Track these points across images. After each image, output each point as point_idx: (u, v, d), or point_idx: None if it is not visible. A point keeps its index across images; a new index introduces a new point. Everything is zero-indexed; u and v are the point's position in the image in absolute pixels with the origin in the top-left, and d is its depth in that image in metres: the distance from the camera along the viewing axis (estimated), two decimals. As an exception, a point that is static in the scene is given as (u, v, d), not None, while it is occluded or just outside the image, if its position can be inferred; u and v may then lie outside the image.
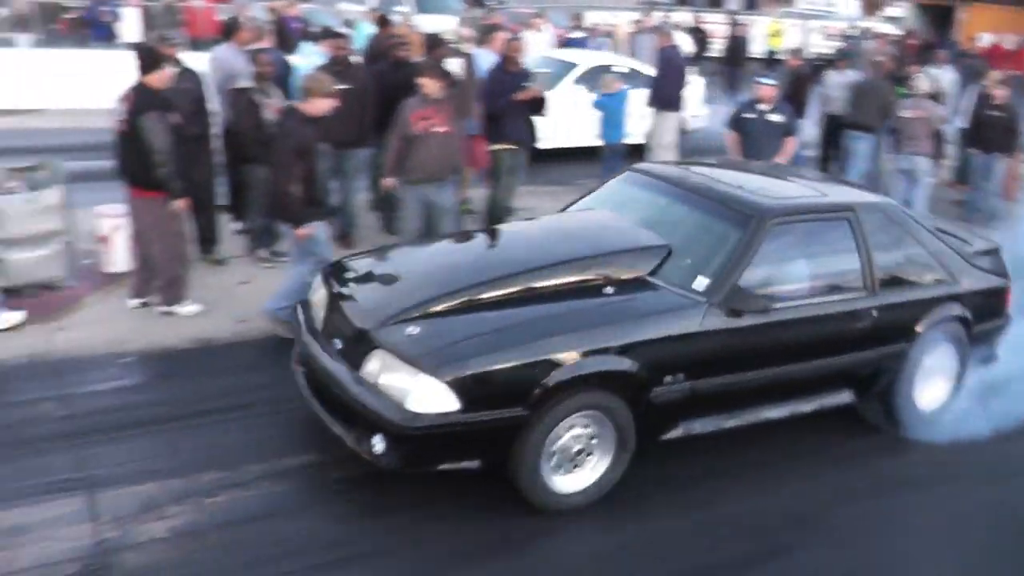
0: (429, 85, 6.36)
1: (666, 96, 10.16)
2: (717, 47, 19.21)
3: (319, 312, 4.63)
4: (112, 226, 6.58)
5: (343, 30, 8.61)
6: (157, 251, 5.88)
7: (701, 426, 4.56)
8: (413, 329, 4.11)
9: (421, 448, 3.97)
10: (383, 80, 7.36)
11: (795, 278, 4.77)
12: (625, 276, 4.54)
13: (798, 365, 4.72)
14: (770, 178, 5.46)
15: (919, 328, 5.08)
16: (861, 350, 4.93)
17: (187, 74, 6.48)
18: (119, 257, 6.58)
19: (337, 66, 7.01)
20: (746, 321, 4.43)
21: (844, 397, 5.05)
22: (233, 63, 7.15)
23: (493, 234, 5.44)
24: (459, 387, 3.87)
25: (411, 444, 3.93)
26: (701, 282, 4.48)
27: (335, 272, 4.85)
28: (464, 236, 5.64)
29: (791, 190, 5.15)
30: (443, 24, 13.72)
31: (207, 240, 6.98)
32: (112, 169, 5.89)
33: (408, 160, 6.41)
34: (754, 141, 7.79)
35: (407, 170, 6.45)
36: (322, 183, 5.68)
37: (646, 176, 5.37)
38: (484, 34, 9.59)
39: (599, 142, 9.93)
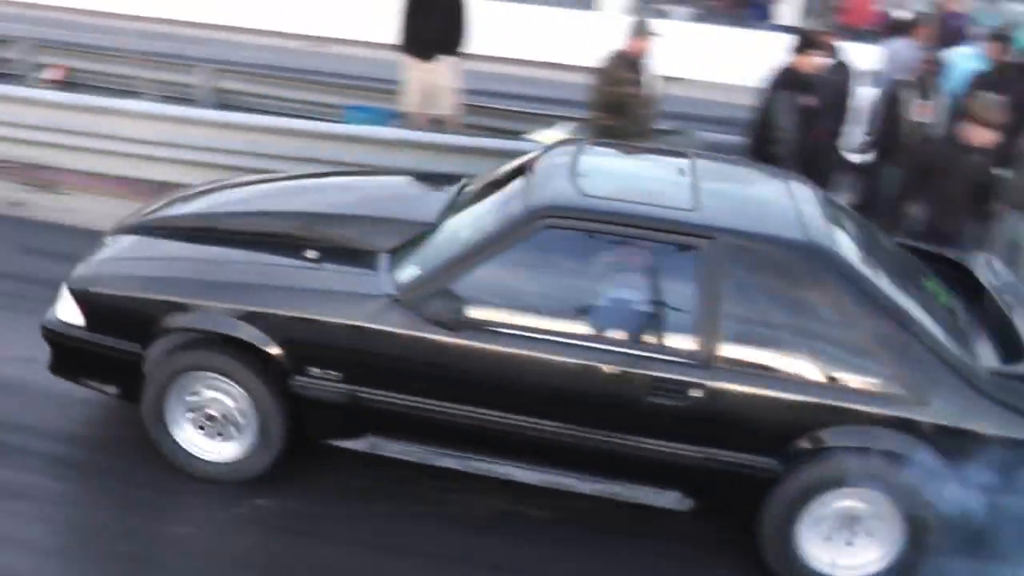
0: None
1: None
2: None
3: None
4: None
5: (1006, 33, 7.51)
6: None
7: (397, 450, 3.59)
8: (124, 239, 3.98)
9: (61, 356, 3.79)
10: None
11: (565, 305, 3.43)
12: (357, 245, 3.75)
13: (547, 423, 3.40)
14: (695, 179, 3.76)
15: (804, 447, 3.26)
16: (674, 439, 3.35)
17: (839, 67, 6.16)
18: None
19: (998, 73, 6.29)
20: (443, 335, 3.36)
21: (667, 499, 3.47)
22: (906, 58, 6.80)
23: (330, 176, 4.88)
24: (84, 302, 3.64)
25: (52, 349, 3.81)
26: (409, 272, 3.50)
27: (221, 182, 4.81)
28: (314, 175, 5.00)
29: (652, 193, 3.58)
30: None
31: None
32: (742, 145, 6.01)
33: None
34: None
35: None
36: (962, 218, 4.85)
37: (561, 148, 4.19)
38: None
39: None
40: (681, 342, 3.31)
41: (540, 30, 13.05)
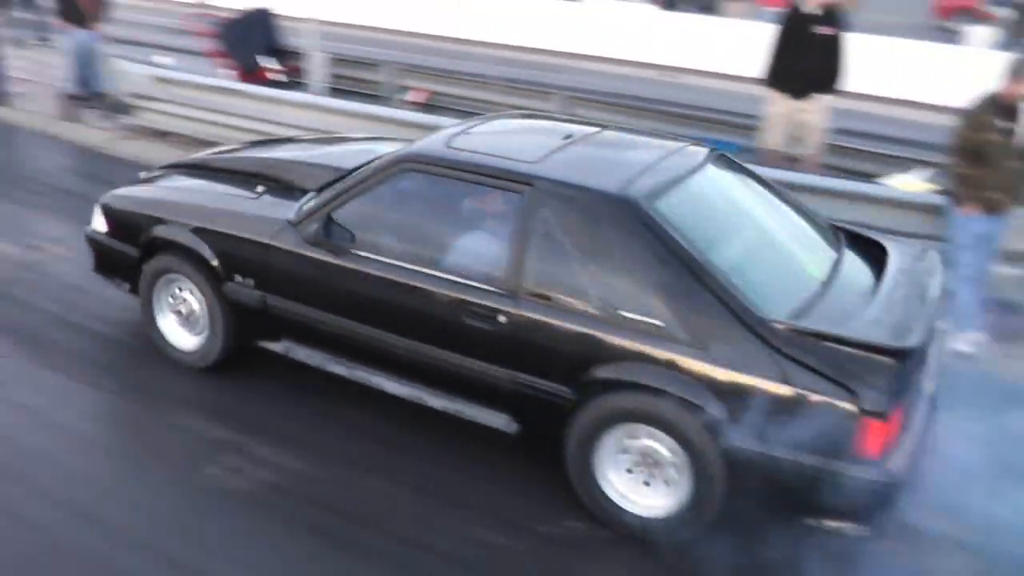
0: None
1: None
2: None
3: None
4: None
5: None
6: None
7: (304, 355, 4.23)
8: (152, 173, 5.06)
9: (96, 258, 4.85)
10: None
11: (413, 234, 3.93)
12: (299, 184, 4.45)
13: (402, 339, 3.92)
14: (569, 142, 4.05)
15: (592, 378, 3.51)
16: (486, 360, 3.71)
17: None
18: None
19: None
20: (315, 253, 4.01)
21: (498, 420, 3.83)
22: None
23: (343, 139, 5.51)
24: (107, 216, 4.71)
25: (92, 253, 4.88)
26: (309, 204, 4.17)
27: None
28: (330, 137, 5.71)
29: (513, 150, 3.90)
30: None
31: None
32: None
33: None
34: None
35: None
36: None
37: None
38: None
39: None
40: (496, 273, 3.64)
41: (904, 65, 12.27)
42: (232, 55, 9.82)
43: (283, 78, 9.93)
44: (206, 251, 4.30)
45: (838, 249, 4.03)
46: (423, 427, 4.13)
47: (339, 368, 4.18)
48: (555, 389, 3.58)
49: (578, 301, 3.52)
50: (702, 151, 4.21)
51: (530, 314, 3.57)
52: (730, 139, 7.56)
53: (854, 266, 3.95)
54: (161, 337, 4.64)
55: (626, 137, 4.41)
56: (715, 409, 3.28)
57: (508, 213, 3.70)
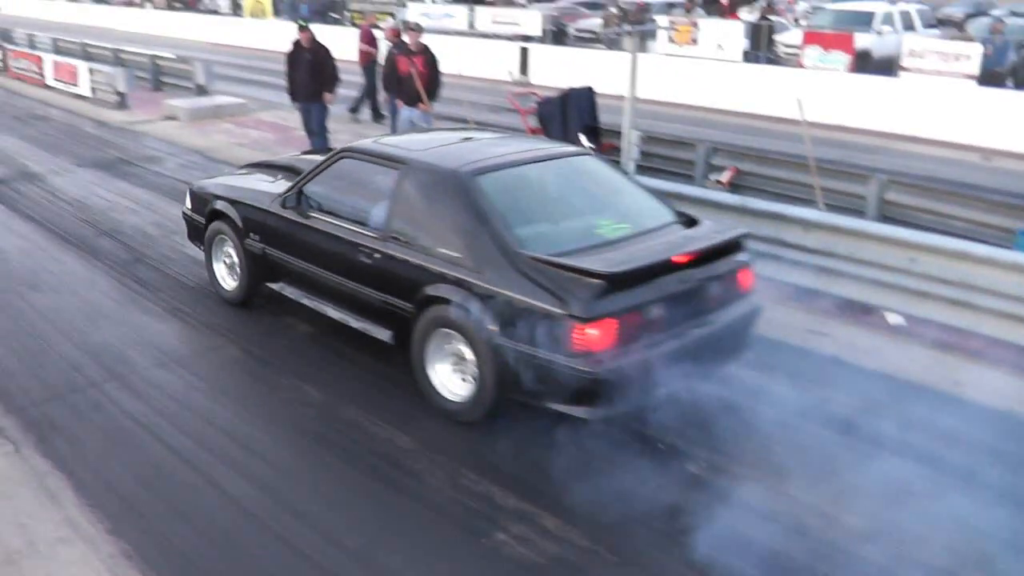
0: None
1: None
2: None
3: None
4: None
5: None
6: None
7: (291, 292, 6.04)
8: (249, 170, 7.21)
9: (187, 229, 6.94)
10: None
11: (342, 200, 5.59)
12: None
13: (331, 274, 5.60)
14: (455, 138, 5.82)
15: (422, 295, 5.00)
16: (370, 287, 5.29)
17: None
18: None
19: None
20: (288, 215, 5.85)
21: (383, 334, 5.37)
22: None
23: None
24: (191, 195, 6.83)
25: (185, 225, 7.08)
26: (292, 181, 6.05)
27: None
28: None
29: (417, 143, 5.62)
30: None
31: None
32: None
33: None
34: None
35: None
36: None
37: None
38: None
39: None
40: (379, 224, 5.25)
41: None
42: (548, 131, 10.26)
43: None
44: (236, 216, 6.30)
45: (660, 225, 5.24)
46: (726, 514, 4.16)
47: (307, 301, 5.95)
48: (405, 305, 5.12)
49: (417, 240, 5.08)
50: (564, 150, 5.70)
51: (391, 251, 5.17)
52: None
53: (660, 235, 5.15)
54: (216, 281, 6.67)
55: (509, 139, 5.95)
56: (486, 316, 4.67)
57: (391, 184, 5.34)
